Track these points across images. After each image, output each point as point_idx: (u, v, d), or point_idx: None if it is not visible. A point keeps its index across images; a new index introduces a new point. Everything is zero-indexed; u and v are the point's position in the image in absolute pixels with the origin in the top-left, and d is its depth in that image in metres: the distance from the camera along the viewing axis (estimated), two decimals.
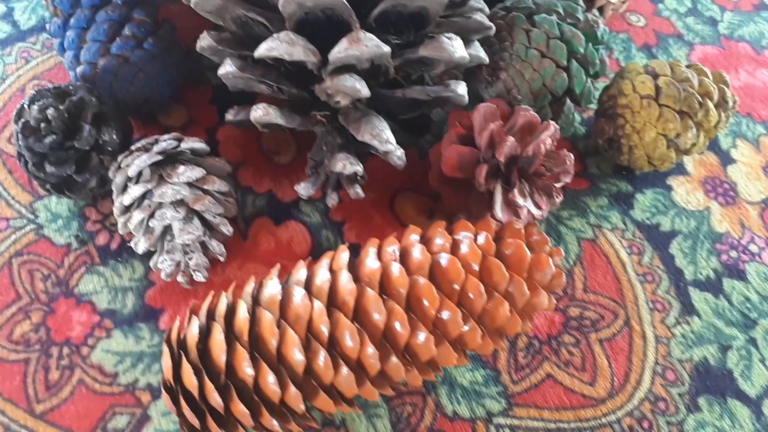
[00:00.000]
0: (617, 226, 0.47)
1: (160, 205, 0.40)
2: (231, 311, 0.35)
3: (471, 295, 0.35)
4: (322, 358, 0.33)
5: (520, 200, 0.41)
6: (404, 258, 0.36)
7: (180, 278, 0.42)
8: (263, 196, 0.48)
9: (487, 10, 0.43)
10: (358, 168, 0.40)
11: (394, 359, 0.34)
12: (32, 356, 0.41)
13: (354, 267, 0.36)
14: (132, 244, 0.42)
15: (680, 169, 0.51)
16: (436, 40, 0.38)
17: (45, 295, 0.43)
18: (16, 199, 0.47)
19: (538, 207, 0.42)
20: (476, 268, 0.36)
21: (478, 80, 0.47)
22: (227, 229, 0.43)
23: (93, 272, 0.44)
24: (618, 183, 0.49)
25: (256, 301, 0.35)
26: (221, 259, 0.43)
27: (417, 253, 0.36)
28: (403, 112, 0.45)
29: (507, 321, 0.36)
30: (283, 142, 0.50)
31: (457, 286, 0.35)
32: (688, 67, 0.48)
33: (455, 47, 0.38)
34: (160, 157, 0.41)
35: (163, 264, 0.41)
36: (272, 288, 0.35)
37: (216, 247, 0.43)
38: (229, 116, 0.44)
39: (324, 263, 0.37)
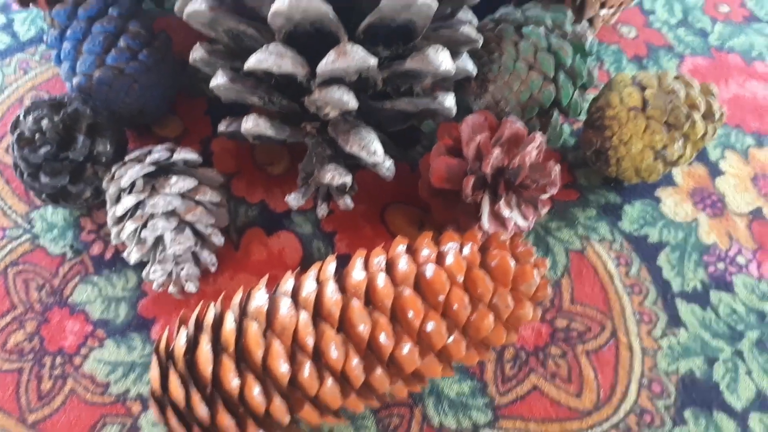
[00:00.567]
0: (605, 237, 0.48)
1: (152, 216, 0.41)
2: (219, 322, 0.36)
3: (455, 307, 0.36)
4: (307, 369, 0.33)
5: (506, 212, 0.41)
6: (390, 269, 0.37)
7: (171, 288, 0.42)
8: (256, 207, 0.48)
9: (475, 21, 0.44)
10: (347, 179, 0.41)
11: (379, 371, 0.35)
12: (26, 366, 0.41)
13: (341, 278, 0.37)
14: (125, 255, 0.42)
15: (669, 181, 0.51)
16: (422, 52, 0.38)
17: (39, 305, 0.44)
18: (12, 209, 0.47)
19: (525, 218, 0.43)
20: (461, 279, 0.36)
21: (468, 92, 0.47)
22: (219, 239, 0.43)
23: (87, 282, 0.45)
24: (607, 194, 0.50)
25: (243, 312, 0.36)
26: (212, 269, 0.44)
27: (403, 263, 0.37)
28: (393, 124, 0.45)
29: (492, 332, 0.36)
30: (276, 153, 0.51)
31: (441, 298, 0.36)
32: (675, 78, 0.48)
33: (441, 60, 0.38)
34: (152, 168, 0.41)
35: (154, 274, 0.42)
36: (260, 299, 0.36)
37: (207, 257, 0.43)
38: (222, 127, 0.44)
39: (311, 274, 0.37)
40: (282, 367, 0.33)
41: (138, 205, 0.41)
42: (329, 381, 0.34)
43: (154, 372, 0.34)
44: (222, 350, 0.34)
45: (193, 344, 0.35)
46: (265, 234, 0.47)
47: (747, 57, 0.59)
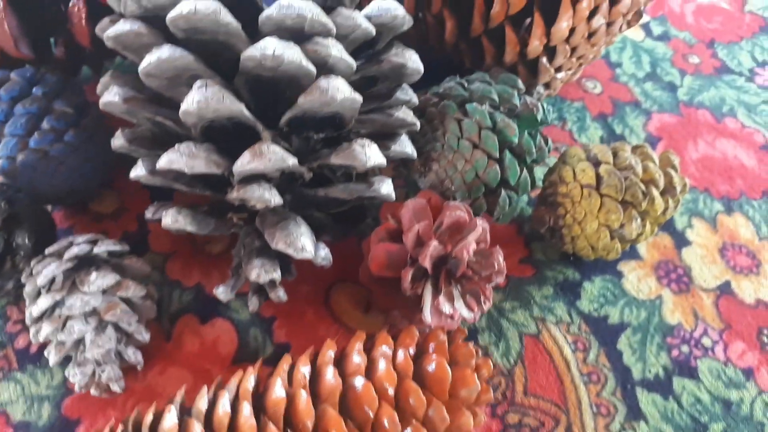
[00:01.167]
0: (562, 319, 0.45)
1: (69, 317, 0.38)
2: None
3: (386, 424, 0.33)
4: None
5: (446, 307, 0.38)
6: (316, 381, 0.34)
7: (94, 391, 0.40)
8: (191, 291, 0.46)
9: (415, 100, 0.42)
10: (275, 275, 0.38)
11: None
12: None
13: (260, 396, 0.34)
14: (45, 354, 0.40)
15: (632, 253, 0.48)
16: (348, 148, 0.36)
17: None
18: None
19: (470, 309, 0.40)
20: (392, 392, 0.34)
21: (413, 169, 0.45)
22: (144, 336, 0.41)
23: (10, 379, 0.42)
24: (565, 270, 0.47)
25: None
26: (139, 367, 0.41)
27: (329, 375, 0.34)
28: (332, 207, 0.43)
29: None
30: None
31: (371, 413, 0.33)
32: (634, 149, 0.46)
33: (369, 155, 0.36)
34: (70, 264, 0.39)
35: (75, 378, 0.39)
36: (169, 421, 0.33)
37: (132, 355, 0.41)
38: (148, 214, 0.42)
39: (231, 388, 0.35)
40: None
41: (55, 306, 0.39)
42: None
43: None
44: None
45: None
46: (199, 322, 0.45)
47: (717, 113, 0.56)
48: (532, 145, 0.43)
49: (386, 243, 0.41)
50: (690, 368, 0.44)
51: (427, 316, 0.39)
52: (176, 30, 0.34)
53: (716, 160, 0.53)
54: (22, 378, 0.42)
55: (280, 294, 0.40)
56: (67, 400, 0.41)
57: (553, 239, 0.45)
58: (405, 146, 0.41)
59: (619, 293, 0.46)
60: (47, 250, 0.41)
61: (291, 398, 0.33)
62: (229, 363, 0.43)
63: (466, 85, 0.45)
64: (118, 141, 0.40)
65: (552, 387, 0.42)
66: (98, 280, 0.39)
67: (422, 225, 0.39)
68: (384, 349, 0.36)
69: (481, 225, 0.39)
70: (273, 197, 0.36)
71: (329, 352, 0.36)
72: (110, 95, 0.37)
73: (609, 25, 0.46)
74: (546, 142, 0.45)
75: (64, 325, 0.39)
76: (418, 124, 0.40)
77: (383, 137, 0.41)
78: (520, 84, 0.45)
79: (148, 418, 0.34)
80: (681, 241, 0.49)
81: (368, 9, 0.39)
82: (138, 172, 0.38)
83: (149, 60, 0.34)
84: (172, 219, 0.38)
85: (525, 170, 0.43)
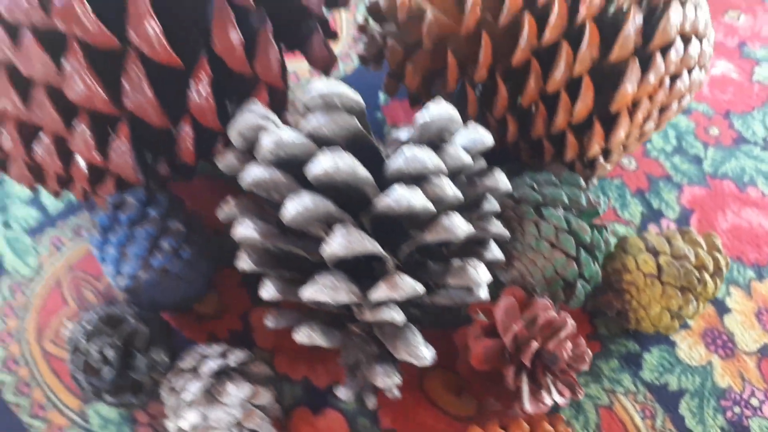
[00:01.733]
0: (629, 389, 0.51)
1: (214, 429, 0.43)
2: None
3: None
4: None
5: (546, 399, 0.44)
6: None
7: None
8: (299, 385, 0.51)
9: (498, 208, 0.47)
10: (397, 380, 0.44)
11: None
12: None
13: None
14: None
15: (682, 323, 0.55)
16: (461, 269, 0.42)
17: None
18: (66, 405, 0.49)
19: (562, 395, 0.46)
20: None
21: (495, 266, 0.50)
22: None
23: None
24: (626, 342, 0.53)
25: None
26: None
27: None
28: (431, 308, 0.48)
29: None
30: None
31: None
32: (683, 234, 0.52)
33: (480, 275, 0.42)
34: (212, 381, 0.44)
35: None
36: None
37: None
38: (270, 324, 0.46)
39: None
40: None
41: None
42: None
43: None
44: None
45: None
46: (311, 413, 0.50)
47: (740, 183, 0.63)
48: (601, 241, 0.49)
49: (483, 339, 0.47)
50: (743, 427, 0.50)
51: (527, 405, 0.45)
52: (314, 180, 0.39)
53: (744, 229, 0.60)
54: None
55: (395, 393, 0.46)
56: None
57: (619, 319, 0.52)
58: (496, 253, 0.46)
59: (675, 361, 0.53)
60: (182, 365, 0.45)
61: None
62: None
63: (536, 187, 0.51)
64: (245, 264, 0.44)
65: None
66: (236, 391, 0.44)
67: (518, 327, 0.45)
68: None
69: (570, 322, 0.45)
70: (399, 316, 0.41)
71: None
72: (245, 229, 0.42)
73: (657, 126, 0.53)
74: (601, 233, 0.52)
75: None
76: (509, 235, 0.46)
77: (477, 244, 0.47)
78: (583, 183, 0.51)
79: None
80: (722, 308, 0.56)
81: (463, 139, 0.44)
82: (270, 294, 0.43)
83: (294, 209, 0.38)
84: (307, 336, 0.43)
85: (597, 264, 0.49)
